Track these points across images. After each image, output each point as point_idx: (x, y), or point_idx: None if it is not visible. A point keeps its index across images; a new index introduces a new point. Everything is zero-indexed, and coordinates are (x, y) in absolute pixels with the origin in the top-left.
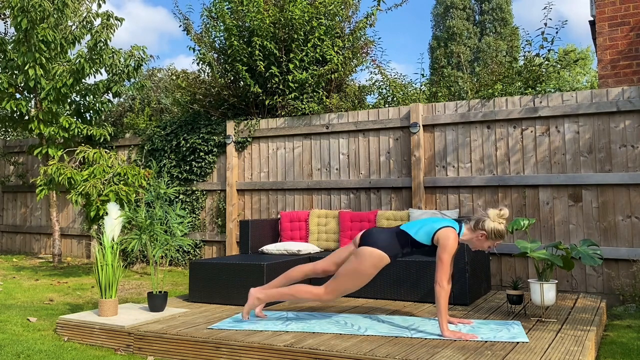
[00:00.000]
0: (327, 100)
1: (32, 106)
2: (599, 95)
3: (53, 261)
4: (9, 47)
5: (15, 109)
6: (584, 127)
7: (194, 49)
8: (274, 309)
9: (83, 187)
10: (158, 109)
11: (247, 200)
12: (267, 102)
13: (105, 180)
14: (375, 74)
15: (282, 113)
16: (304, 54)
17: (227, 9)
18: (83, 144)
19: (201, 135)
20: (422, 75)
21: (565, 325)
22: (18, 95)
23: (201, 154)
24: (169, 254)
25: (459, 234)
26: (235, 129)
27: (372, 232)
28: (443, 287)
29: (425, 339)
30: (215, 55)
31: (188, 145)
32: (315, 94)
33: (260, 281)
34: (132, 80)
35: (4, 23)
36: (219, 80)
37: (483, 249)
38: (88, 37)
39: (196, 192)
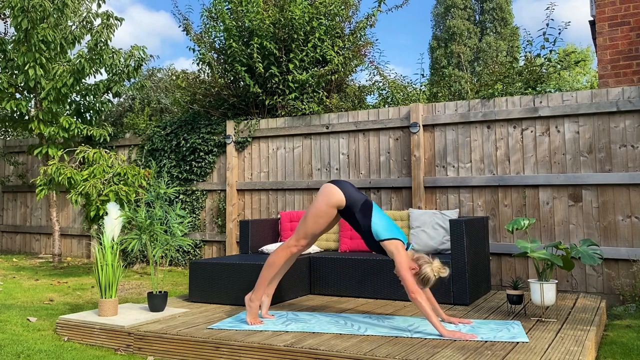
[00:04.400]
0: (327, 100)
1: (32, 106)
2: (599, 95)
3: (53, 261)
4: (9, 47)
5: (15, 109)
6: (584, 127)
7: (193, 50)
8: (273, 309)
9: (83, 187)
10: (158, 109)
11: (247, 200)
12: (267, 102)
13: (105, 180)
14: (375, 75)
15: (282, 113)
16: (304, 54)
17: (227, 9)
18: (83, 144)
19: (201, 135)
20: (422, 75)
21: (565, 325)
22: (18, 95)
23: (201, 154)
24: (169, 254)
25: (407, 249)
26: (235, 129)
27: (341, 180)
28: (417, 292)
29: (425, 339)
30: (215, 55)
31: (188, 145)
32: (315, 94)
33: None
34: (132, 80)
35: (4, 23)
36: (218, 81)
37: (401, 277)
38: (88, 37)
39: (196, 192)
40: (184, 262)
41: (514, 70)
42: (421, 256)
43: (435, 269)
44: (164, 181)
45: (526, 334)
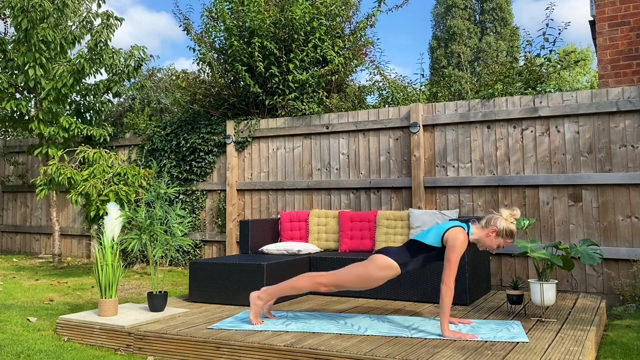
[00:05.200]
0: (327, 100)
1: (32, 106)
2: (599, 95)
3: (53, 261)
4: (9, 47)
5: (15, 109)
6: (584, 127)
7: (194, 49)
8: (273, 309)
9: (83, 187)
10: (158, 109)
11: (247, 200)
12: (267, 102)
13: (105, 180)
14: (375, 75)
15: (282, 113)
16: (304, 54)
17: (228, 9)
18: (83, 144)
19: (201, 135)
20: (422, 75)
21: (565, 325)
22: (18, 95)
23: (201, 154)
24: (169, 254)
25: (468, 233)
26: (235, 129)
27: (386, 247)
28: (450, 287)
29: (425, 339)
30: (215, 55)
31: (188, 145)
32: (315, 94)
33: (260, 281)
34: (132, 80)
35: (4, 23)
36: (219, 80)
37: (492, 248)
38: (88, 37)
39: (196, 192)
40: (184, 262)
41: (514, 70)
42: (489, 217)
43: (507, 217)
44: (164, 181)
45: (526, 334)
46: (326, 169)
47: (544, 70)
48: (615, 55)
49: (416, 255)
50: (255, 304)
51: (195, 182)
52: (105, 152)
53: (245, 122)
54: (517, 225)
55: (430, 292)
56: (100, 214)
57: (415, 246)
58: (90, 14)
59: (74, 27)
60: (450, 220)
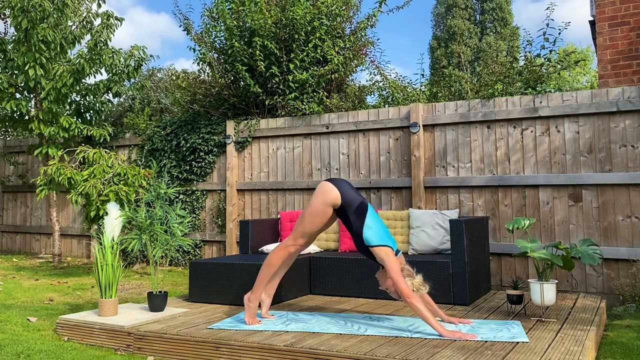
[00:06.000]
0: (328, 100)
1: (32, 106)
2: (599, 95)
3: (53, 261)
4: (9, 47)
5: (15, 109)
6: (584, 127)
7: (194, 49)
8: (273, 309)
9: (83, 187)
10: (158, 108)
11: (247, 200)
12: (267, 102)
13: (105, 180)
14: (375, 75)
15: (282, 113)
16: (304, 54)
17: (228, 9)
18: (83, 144)
19: (201, 135)
20: (422, 75)
21: (565, 325)
22: (18, 95)
23: (201, 154)
24: (169, 254)
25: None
26: (235, 129)
27: (339, 178)
28: (410, 294)
29: (425, 339)
30: (216, 55)
31: (188, 145)
32: (315, 94)
33: None
34: (132, 80)
35: (4, 23)
36: (219, 80)
37: (383, 283)
38: (88, 37)
39: (196, 192)
40: (184, 262)
41: (514, 70)
42: (405, 267)
43: (415, 284)
44: (164, 181)
45: (526, 334)
46: (326, 169)
47: (544, 70)
48: (615, 55)
49: (356, 214)
50: (248, 306)
51: (195, 182)
52: (105, 152)
53: (245, 122)
54: (518, 225)
55: (429, 292)
56: (100, 214)
57: (361, 212)
58: (90, 14)
59: (74, 27)
60: (390, 236)
